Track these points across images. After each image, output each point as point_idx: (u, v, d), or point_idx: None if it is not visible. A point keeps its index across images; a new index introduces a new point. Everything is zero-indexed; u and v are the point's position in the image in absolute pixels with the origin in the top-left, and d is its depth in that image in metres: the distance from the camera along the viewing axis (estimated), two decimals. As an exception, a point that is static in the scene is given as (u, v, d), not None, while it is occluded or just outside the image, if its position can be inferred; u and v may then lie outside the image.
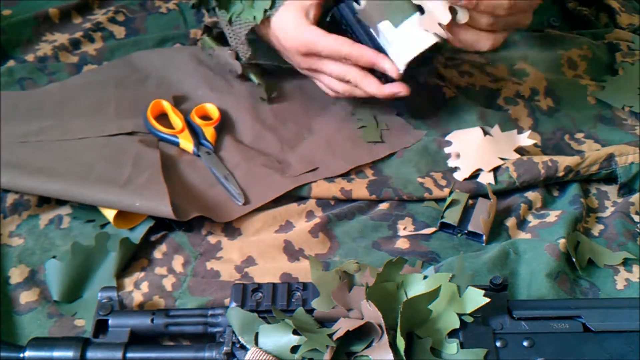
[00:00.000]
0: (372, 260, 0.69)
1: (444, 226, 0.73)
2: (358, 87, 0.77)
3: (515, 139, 0.79)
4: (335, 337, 0.55)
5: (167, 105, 0.82)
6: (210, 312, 0.61)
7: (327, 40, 0.75)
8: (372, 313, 0.55)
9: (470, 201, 0.74)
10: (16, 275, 0.67)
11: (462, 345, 0.57)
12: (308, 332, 0.55)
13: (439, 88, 0.88)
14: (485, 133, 0.80)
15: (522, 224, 0.74)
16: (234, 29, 0.81)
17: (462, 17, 0.70)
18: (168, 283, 0.67)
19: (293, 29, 0.76)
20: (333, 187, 0.76)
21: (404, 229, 0.73)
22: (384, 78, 0.76)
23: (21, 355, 0.58)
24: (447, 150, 0.81)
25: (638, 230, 0.73)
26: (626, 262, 0.70)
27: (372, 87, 0.76)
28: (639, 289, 0.67)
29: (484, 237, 0.71)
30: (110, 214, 0.70)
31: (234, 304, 0.59)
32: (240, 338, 0.57)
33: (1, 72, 0.86)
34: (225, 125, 0.83)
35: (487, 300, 0.57)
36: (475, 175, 0.78)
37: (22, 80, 0.87)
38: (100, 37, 0.94)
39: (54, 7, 0.94)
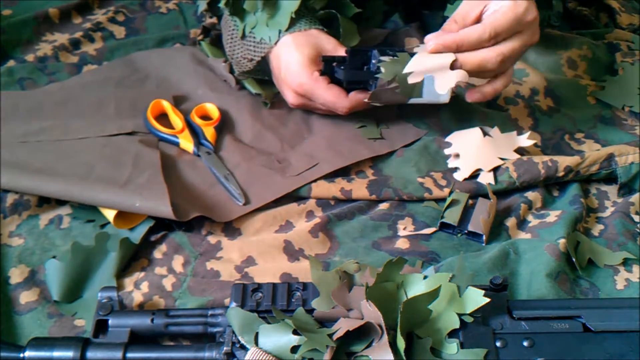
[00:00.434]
0: (372, 260, 0.69)
1: (444, 226, 0.73)
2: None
3: (515, 140, 0.80)
4: (335, 337, 0.55)
5: (167, 105, 0.82)
6: (210, 312, 0.61)
7: (327, 95, 0.76)
8: (372, 313, 0.55)
9: (470, 201, 0.74)
10: (16, 275, 0.67)
11: (462, 345, 0.57)
12: (308, 332, 0.55)
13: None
14: (485, 134, 0.80)
15: (522, 224, 0.74)
16: (247, 43, 0.81)
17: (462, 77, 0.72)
18: (168, 283, 0.67)
19: (297, 69, 0.76)
20: (333, 187, 0.76)
21: (404, 229, 0.73)
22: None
23: (21, 355, 0.58)
24: (447, 151, 0.81)
25: (638, 230, 0.73)
26: (626, 262, 0.70)
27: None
28: (639, 289, 0.67)
29: (484, 237, 0.71)
30: (110, 214, 0.70)
31: (234, 304, 0.59)
32: (240, 338, 0.57)
33: (1, 72, 0.86)
34: (225, 125, 0.83)
35: (487, 300, 0.57)
36: (475, 175, 0.78)
37: (22, 80, 0.87)
38: (100, 37, 0.94)
39: (54, 7, 0.94)
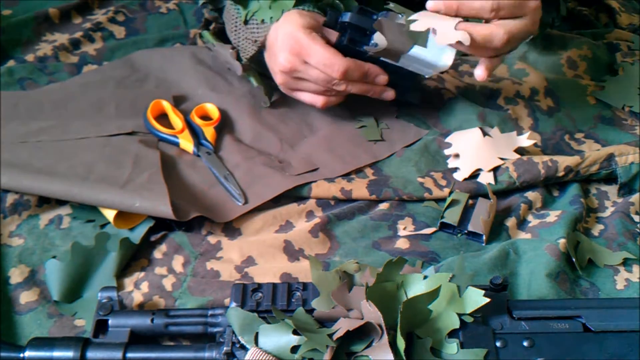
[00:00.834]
0: (372, 260, 0.69)
1: (444, 226, 0.73)
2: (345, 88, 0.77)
3: (515, 140, 0.80)
4: (335, 337, 0.55)
5: (167, 106, 0.82)
6: (210, 312, 0.61)
7: (323, 52, 0.74)
8: (372, 313, 0.55)
9: (470, 201, 0.74)
10: (16, 275, 0.67)
11: (462, 345, 0.57)
12: (308, 332, 0.55)
13: (439, 88, 0.88)
14: (485, 134, 0.80)
15: (522, 224, 0.74)
16: (250, 27, 0.81)
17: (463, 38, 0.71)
18: (168, 283, 0.67)
19: (295, 29, 0.75)
20: (333, 187, 0.76)
21: (404, 229, 0.73)
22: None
23: (21, 355, 0.58)
24: (447, 151, 0.81)
25: (638, 230, 0.73)
26: (626, 262, 0.70)
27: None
28: (639, 289, 0.67)
29: (484, 237, 0.71)
30: (110, 214, 0.70)
31: (234, 304, 0.59)
32: (240, 338, 0.57)
33: (1, 72, 0.86)
34: (225, 125, 0.83)
35: (487, 300, 0.56)
36: (475, 175, 0.78)
37: (22, 80, 0.87)
38: (100, 37, 0.94)
39: (54, 7, 0.94)
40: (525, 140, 0.79)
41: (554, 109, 0.88)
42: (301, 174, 0.77)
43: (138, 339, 0.60)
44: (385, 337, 0.54)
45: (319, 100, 0.79)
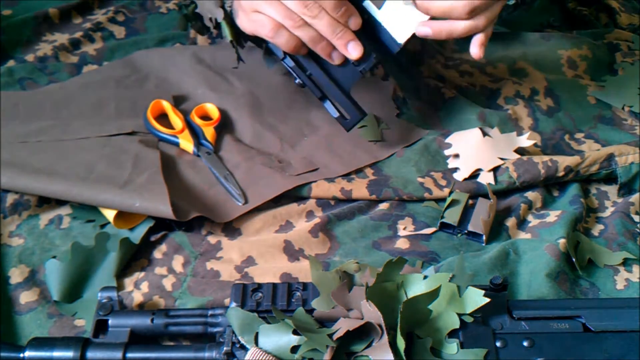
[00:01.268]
0: (372, 260, 0.69)
1: (444, 226, 0.73)
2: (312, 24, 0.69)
3: (515, 140, 0.80)
4: (335, 337, 0.55)
5: (167, 105, 0.82)
6: (210, 312, 0.61)
7: None
8: (372, 313, 0.55)
9: (470, 201, 0.74)
10: (16, 275, 0.67)
11: (462, 345, 0.57)
12: (308, 332, 0.55)
13: (439, 88, 0.88)
14: (485, 134, 0.80)
15: (522, 224, 0.74)
16: None
17: None
18: (168, 283, 0.67)
19: None
20: (333, 187, 0.76)
21: (404, 229, 0.73)
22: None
23: (21, 355, 0.58)
24: (447, 152, 0.81)
25: (638, 230, 0.73)
26: (626, 262, 0.70)
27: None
28: (639, 289, 0.67)
29: (484, 237, 0.71)
30: (110, 214, 0.70)
31: (234, 304, 0.59)
32: (240, 338, 0.57)
33: (1, 72, 0.86)
34: (225, 125, 0.83)
35: (487, 300, 0.56)
36: (475, 175, 0.78)
37: (22, 80, 0.87)
38: (100, 37, 0.94)
39: (54, 7, 0.94)
40: (525, 140, 0.79)
41: (554, 109, 0.88)
42: (301, 174, 0.77)
43: (138, 339, 0.60)
44: (385, 337, 0.54)
45: (269, 24, 0.68)
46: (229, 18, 0.80)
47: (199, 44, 0.94)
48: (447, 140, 0.82)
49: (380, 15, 0.71)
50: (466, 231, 0.72)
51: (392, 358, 0.53)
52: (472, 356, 0.56)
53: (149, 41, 0.94)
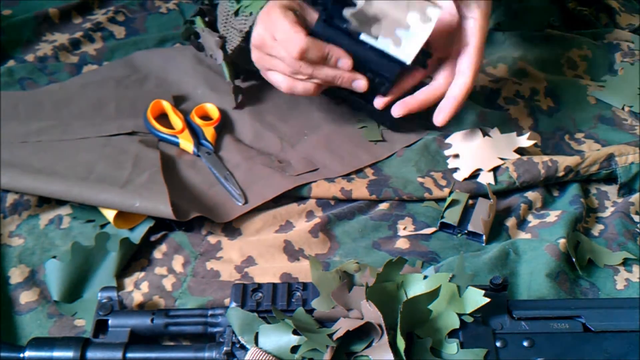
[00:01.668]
0: (372, 260, 0.69)
1: (444, 226, 0.73)
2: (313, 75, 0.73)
3: (515, 140, 0.80)
4: (335, 337, 0.55)
5: (167, 106, 0.82)
6: (210, 312, 0.61)
7: (285, 24, 0.70)
8: (372, 313, 0.55)
9: (470, 201, 0.74)
10: (16, 275, 0.67)
11: (462, 345, 0.57)
12: (308, 332, 0.55)
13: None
14: (485, 134, 0.80)
15: (522, 224, 0.74)
16: (237, 19, 0.80)
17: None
18: (168, 283, 0.67)
19: (271, 6, 0.72)
20: (333, 187, 0.76)
21: (404, 229, 0.73)
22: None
23: (21, 355, 0.58)
24: (447, 152, 0.81)
25: (638, 230, 0.73)
26: (626, 262, 0.70)
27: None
28: (639, 289, 0.67)
29: (484, 237, 0.71)
30: (110, 214, 0.70)
31: (234, 304, 0.59)
32: (240, 338, 0.57)
33: (1, 72, 0.86)
34: (225, 125, 0.83)
35: (487, 300, 0.57)
36: (475, 175, 0.78)
37: (22, 80, 0.87)
38: (100, 37, 0.94)
39: (54, 7, 0.94)
40: (525, 140, 0.79)
41: (554, 109, 0.88)
42: (301, 174, 0.77)
43: (138, 339, 0.60)
44: (385, 337, 0.54)
45: (284, 82, 0.75)
46: (231, 61, 0.83)
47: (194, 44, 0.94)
48: (447, 140, 0.82)
49: (380, 43, 0.72)
50: (466, 231, 0.72)
51: (392, 358, 0.53)
52: (472, 356, 0.56)
53: (149, 41, 0.94)
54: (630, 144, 0.80)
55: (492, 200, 0.73)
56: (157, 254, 0.70)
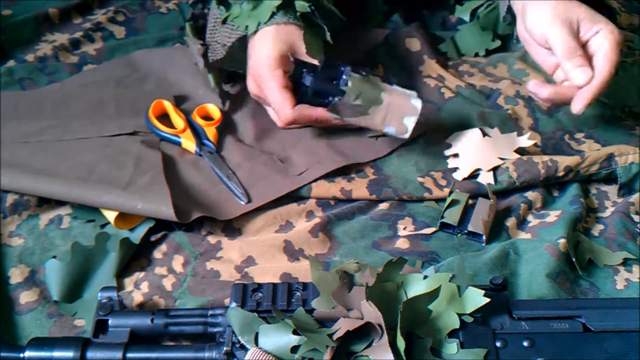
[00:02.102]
0: (372, 260, 0.69)
1: (444, 226, 0.73)
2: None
3: (515, 140, 0.80)
4: (335, 337, 0.55)
5: (168, 105, 0.82)
6: (210, 312, 0.61)
7: (276, 95, 0.74)
8: (372, 313, 0.55)
9: (470, 201, 0.74)
10: (16, 275, 0.67)
11: (462, 345, 0.57)
12: (308, 332, 0.55)
13: (439, 88, 0.88)
14: (485, 134, 0.80)
15: (522, 224, 0.74)
16: (225, 29, 0.81)
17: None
18: (168, 283, 0.67)
19: (263, 61, 0.76)
20: (333, 187, 0.76)
21: (404, 229, 0.73)
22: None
23: (21, 355, 0.58)
24: (447, 152, 0.81)
25: (638, 230, 0.73)
26: (626, 262, 0.70)
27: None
28: (639, 289, 0.67)
29: (484, 237, 0.71)
30: (111, 215, 0.70)
31: (234, 304, 0.59)
32: (240, 338, 0.57)
33: (1, 72, 0.86)
34: (226, 125, 0.83)
35: (487, 300, 0.57)
36: (475, 175, 0.78)
37: (22, 80, 0.87)
38: (100, 37, 0.94)
39: (54, 7, 0.94)
40: (525, 140, 0.79)
41: (554, 109, 0.88)
42: (303, 173, 0.77)
43: (138, 339, 0.60)
44: (385, 337, 0.54)
45: (278, 122, 0.78)
46: (214, 67, 0.84)
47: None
48: (447, 140, 0.82)
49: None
50: (466, 231, 0.72)
51: (392, 358, 0.53)
52: (472, 356, 0.56)
53: (148, 41, 0.94)
54: (630, 144, 0.80)
55: (492, 200, 0.73)
56: (157, 254, 0.70)
